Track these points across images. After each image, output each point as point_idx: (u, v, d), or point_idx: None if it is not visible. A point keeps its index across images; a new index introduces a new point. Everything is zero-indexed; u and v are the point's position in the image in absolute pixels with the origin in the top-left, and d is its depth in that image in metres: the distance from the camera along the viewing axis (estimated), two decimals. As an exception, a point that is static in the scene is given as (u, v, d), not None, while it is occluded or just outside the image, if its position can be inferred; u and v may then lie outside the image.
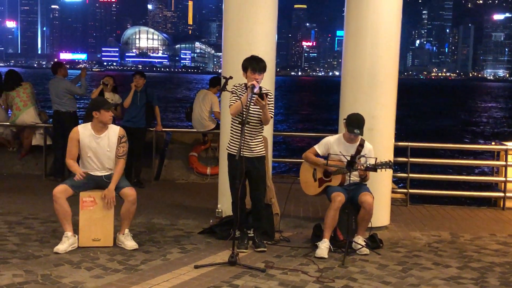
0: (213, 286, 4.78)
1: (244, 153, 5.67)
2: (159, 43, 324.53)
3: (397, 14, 6.89)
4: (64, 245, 5.58)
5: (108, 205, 5.75)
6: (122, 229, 5.86)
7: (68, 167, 5.86)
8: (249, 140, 5.78)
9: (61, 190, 5.67)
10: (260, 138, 5.90)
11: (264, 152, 5.96)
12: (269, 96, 5.69)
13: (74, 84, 9.66)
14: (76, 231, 5.75)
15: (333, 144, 6.11)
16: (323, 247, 5.75)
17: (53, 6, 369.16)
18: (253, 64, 5.67)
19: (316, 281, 5.00)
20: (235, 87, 5.78)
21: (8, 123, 9.73)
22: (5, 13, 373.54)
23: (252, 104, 5.61)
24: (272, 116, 5.78)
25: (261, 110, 5.66)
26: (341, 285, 4.91)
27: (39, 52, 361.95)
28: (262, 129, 5.91)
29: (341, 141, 6.10)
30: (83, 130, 5.81)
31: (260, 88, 5.68)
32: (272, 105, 5.79)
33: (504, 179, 8.66)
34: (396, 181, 8.92)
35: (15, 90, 9.56)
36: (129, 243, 5.78)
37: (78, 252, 5.58)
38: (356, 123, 5.90)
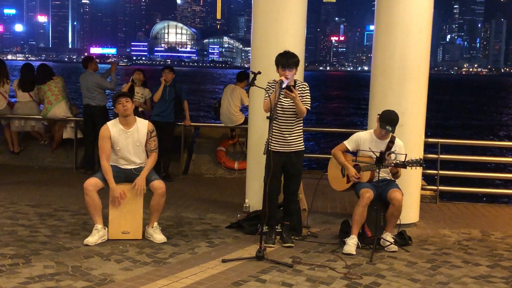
0: (241, 280, 4.80)
1: (280, 148, 5.70)
2: (188, 38, 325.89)
3: (428, 8, 6.80)
4: (94, 238, 5.66)
5: (138, 191, 5.79)
6: (151, 222, 5.92)
7: (103, 171, 5.82)
8: (287, 134, 5.78)
9: (92, 183, 5.74)
10: (298, 132, 5.86)
11: (302, 146, 5.91)
12: (304, 89, 5.72)
13: (105, 78, 9.77)
14: (106, 224, 5.83)
15: (363, 140, 6.06)
16: (351, 243, 5.72)
17: (83, 1, 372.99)
18: (283, 61, 5.66)
19: (343, 277, 4.98)
20: (269, 84, 5.80)
21: (39, 117, 9.88)
22: (37, 8, 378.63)
23: (283, 98, 5.61)
24: (309, 108, 5.75)
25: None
26: (369, 282, 4.89)
27: (70, 46, 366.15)
28: (300, 122, 5.86)
29: (371, 137, 6.05)
30: (113, 126, 5.87)
31: (295, 81, 5.71)
32: (308, 97, 5.77)
33: (536, 177, 8.51)
34: (426, 178, 8.81)
35: (47, 84, 9.70)
36: (158, 236, 5.84)
37: (107, 244, 5.66)
38: (389, 120, 5.84)
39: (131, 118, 5.89)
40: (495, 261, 5.61)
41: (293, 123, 5.80)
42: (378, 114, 5.99)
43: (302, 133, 5.92)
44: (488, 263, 5.54)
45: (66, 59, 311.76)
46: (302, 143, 5.92)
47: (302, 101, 5.63)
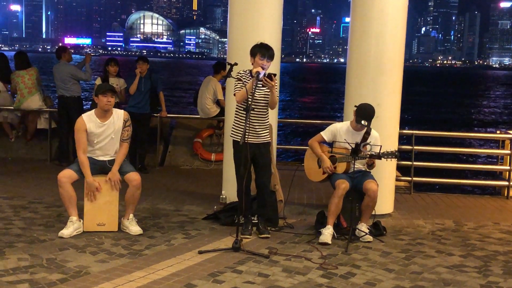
0: (217, 271, 4.81)
1: (250, 139, 5.71)
2: (164, 28, 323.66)
3: (403, 1, 6.84)
4: (69, 230, 5.61)
5: (114, 187, 5.76)
6: (126, 214, 5.89)
7: (80, 164, 5.72)
8: (257, 126, 5.79)
9: (66, 175, 5.68)
10: (267, 124, 5.90)
11: (269, 138, 5.97)
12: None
13: (79, 69, 9.65)
14: (81, 215, 5.78)
15: (340, 131, 6.10)
16: (327, 233, 5.76)
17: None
18: (262, 51, 5.67)
19: (319, 267, 5.02)
20: (240, 74, 5.78)
21: (12, 108, 9.73)
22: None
23: (258, 89, 5.62)
24: (277, 99, 5.77)
25: (268, 94, 5.67)
26: (344, 272, 4.93)
27: (44, 36, 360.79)
28: (268, 114, 5.90)
29: (348, 128, 6.09)
30: (88, 119, 5.80)
31: (265, 74, 5.70)
32: (277, 87, 5.78)
33: (508, 168, 8.63)
34: (400, 169, 8.90)
35: (20, 76, 9.53)
36: (134, 228, 5.81)
37: (83, 236, 5.61)
38: (365, 114, 5.87)
39: (109, 112, 5.84)
40: (468, 251, 5.71)
41: (264, 115, 5.82)
42: (355, 106, 6.02)
43: (269, 125, 5.95)
44: (461, 253, 5.63)
45: (40, 49, 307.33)
46: (269, 135, 5.98)
47: None
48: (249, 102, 5.51)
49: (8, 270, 4.62)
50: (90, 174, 5.72)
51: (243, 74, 5.78)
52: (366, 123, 5.86)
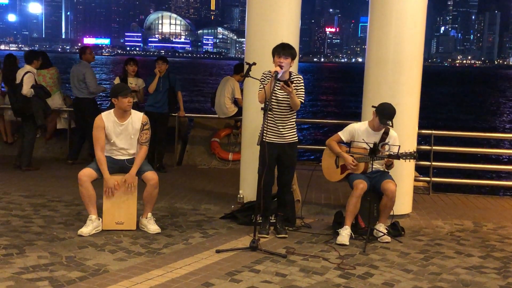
0: (235, 270, 4.82)
1: (273, 139, 5.73)
2: (182, 29, 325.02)
3: (422, 0, 6.80)
4: (88, 228, 5.66)
5: (129, 189, 5.80)
6: (145, 213, 5.92)
7: (98, 162, 5.79)
8: (280, 127, 5.79)
9: (87, 174, 5.73)
10: (292, 124, 5.88)
11: (296, 138, 5.93)
12: (298, 81, 5.72)
13: (95, 80, 9.57)
14: (100, 214, 5.83)
15: (358, 131, 6.07)
16: (344, 234, 5.74)
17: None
18: (278, 49, 5.67)
19: (337, 267, 5.01)
20: (264, 75, 5.79)
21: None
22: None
23: (278, 89, 5.62)
24: (302, 101, 5.75)
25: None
26: (362, 272, 4.91)
27: (63, 36, 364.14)
28: (294, 115, 5.88)
29: (366, 128, 6.06)
30: (107, 117, 5.84)
31: (290, 73, 5.70)
32: (302, 90, 5.77)
33: (529, 168, 8.55)
34: (418, 169, 8.84)
35: (42, 75, 9.62)
36: (152, 227, 5.84)
37: (102, 235, 5.66)
38: (389, 115, 5.84)
39: (128, 112, 5.88)
40: (487, 252, 5.65)
41: (287, 115, 5.80)
42: (374, 107, 5.99)
43: (295, 125, 5.93)
44: (480, 254, 5.58)
45: (59, 50, 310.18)
46: (296, 135, 5.94)
47: (296, 94, 5.64)
48: (267, 103, 5.52)
49: (28, 268, 4.67)
50: (107, 171, 5.77)
51: (267, 74, 5.77)
52: (391, 123, 5.83)
